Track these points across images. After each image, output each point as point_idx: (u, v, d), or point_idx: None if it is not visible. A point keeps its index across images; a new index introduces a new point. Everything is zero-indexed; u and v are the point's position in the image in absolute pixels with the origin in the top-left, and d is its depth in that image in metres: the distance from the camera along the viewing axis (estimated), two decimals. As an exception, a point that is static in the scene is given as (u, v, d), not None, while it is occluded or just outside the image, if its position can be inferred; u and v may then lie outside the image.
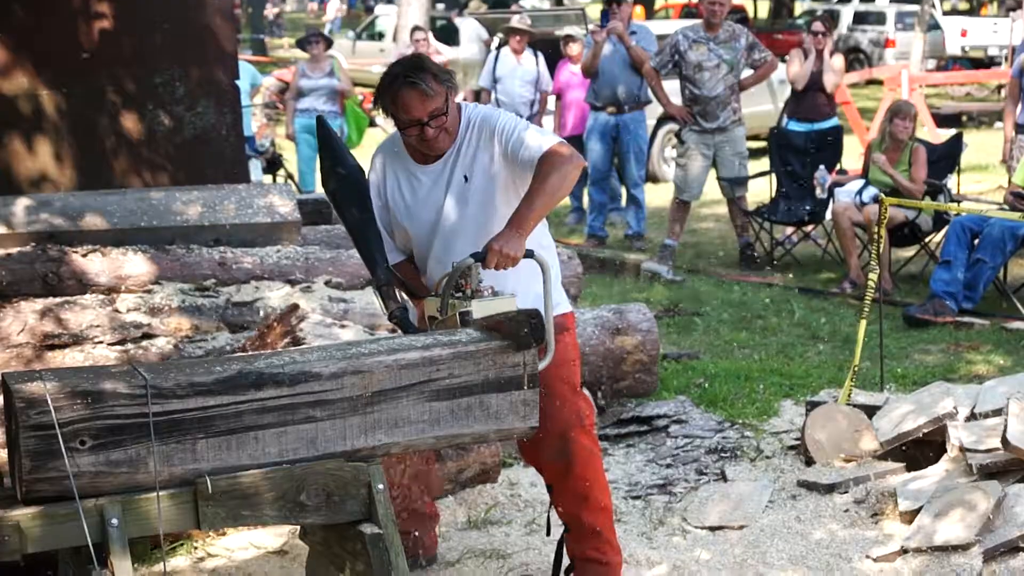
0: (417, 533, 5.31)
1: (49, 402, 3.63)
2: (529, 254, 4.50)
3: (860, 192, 10.82)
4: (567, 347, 4.91)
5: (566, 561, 5.06)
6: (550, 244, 4.96)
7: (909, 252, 11.14)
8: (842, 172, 12.09)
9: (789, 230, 12.41)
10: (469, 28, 25.39)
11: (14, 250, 6.51)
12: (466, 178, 4.77)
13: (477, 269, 4.48)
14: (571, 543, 5.00)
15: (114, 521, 3.68)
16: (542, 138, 4.68)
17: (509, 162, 4.72)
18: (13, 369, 5.51)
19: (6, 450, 3.99)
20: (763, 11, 45.43)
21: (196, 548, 5.52)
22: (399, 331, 4.68)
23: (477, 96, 14.94)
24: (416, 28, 16.15)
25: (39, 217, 6.76)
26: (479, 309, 4.41)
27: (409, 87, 4.63)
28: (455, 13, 27.96)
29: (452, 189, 4.79)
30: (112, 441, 3.71)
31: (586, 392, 5.24)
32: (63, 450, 3.62)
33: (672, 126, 14.46)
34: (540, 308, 4.45)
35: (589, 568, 4.96)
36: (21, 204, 6.82)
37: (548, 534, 5.20)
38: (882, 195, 8.89)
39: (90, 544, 3.65)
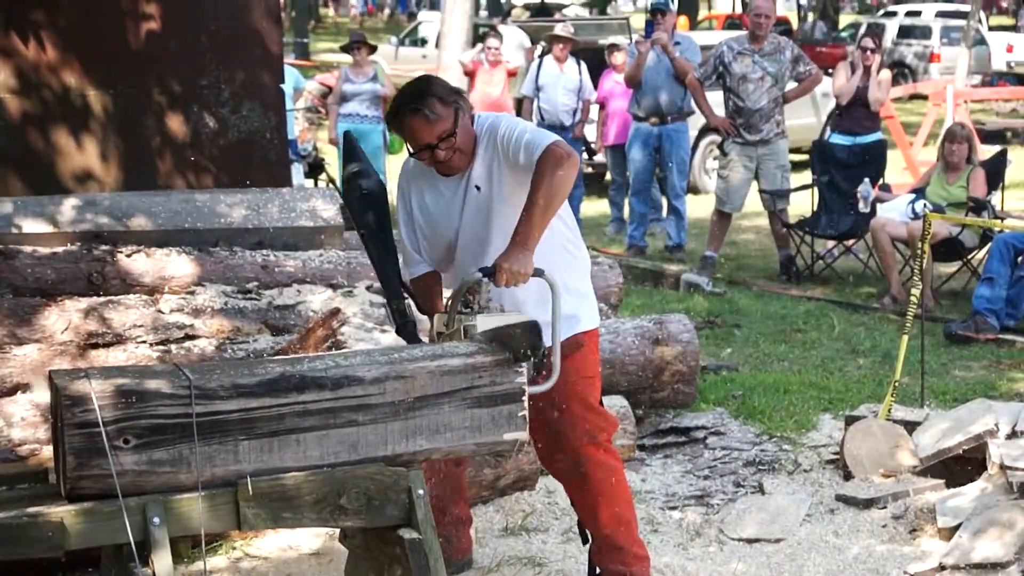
0: (451, 535, 5.30)
1: (94, 401, 3.66)
2: (538, 272, 4.47)
3: (912, 203, 10.76)
4: (584, 363, 4.89)
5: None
6: (577, 249, 4.96)
7: (951, 268, 11.09)
8: (885, 187, 12.04)
9: (830, 244, 12.36)
10: (512, 36, 25.36)
11: (60, 249, 6.55)
12: (478, 188, 4.78)
13: (486, 285, 4.50)
14: (595, 553, 5.03)
15: (156, 520, 3.71)
16: (537, 139, 4.63)
17: (511, 167, 4.70)
18: (57, 367, 5.54)
19: (52, 446, 4.02)
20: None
21: (234, 548, 5.55)
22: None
23: (519, 104, 14.93)
24: (490, 36, 15.82)
25: (85, 217, 6.79)
26: (483, 323, 4.39)
27: (412, 114, 4.66)
28: (498, 20, 27.89)
29: (469, 201, 4.80)
30: (155, 441, 3.73)
31: (605, 407, 5.18)
32: (107, 449, 3.65)
33: (714, 137, 14.43)
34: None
35: None
36: (68, 203, 6.85)
37: (584, 543, 5.18)
38: (926, 210, 8.86)
39: (132, 542, 3.67)
